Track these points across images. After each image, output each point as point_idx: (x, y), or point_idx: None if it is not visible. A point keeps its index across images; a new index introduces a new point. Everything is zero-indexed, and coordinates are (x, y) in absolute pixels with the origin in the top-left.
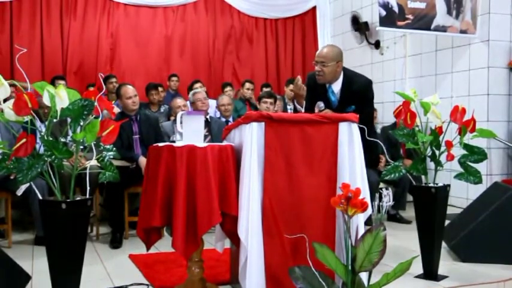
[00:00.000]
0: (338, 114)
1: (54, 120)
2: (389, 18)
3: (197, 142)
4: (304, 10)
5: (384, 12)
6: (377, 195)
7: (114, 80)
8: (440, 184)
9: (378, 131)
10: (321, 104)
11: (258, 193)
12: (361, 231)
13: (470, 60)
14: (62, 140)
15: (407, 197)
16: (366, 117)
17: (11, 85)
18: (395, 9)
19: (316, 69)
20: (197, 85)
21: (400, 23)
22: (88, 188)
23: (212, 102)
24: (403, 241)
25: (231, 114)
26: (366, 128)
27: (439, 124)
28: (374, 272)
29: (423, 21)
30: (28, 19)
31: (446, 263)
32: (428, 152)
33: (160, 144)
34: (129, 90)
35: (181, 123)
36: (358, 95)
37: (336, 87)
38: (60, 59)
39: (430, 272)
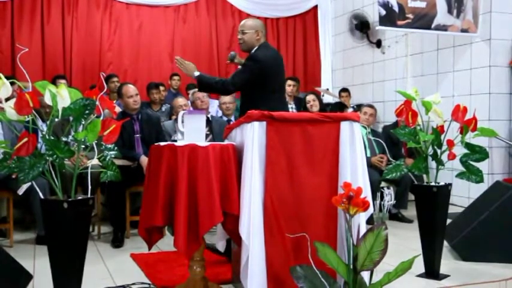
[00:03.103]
0: (340, 113)
1: (56, 119)
2: (390, 18)
3: (199, 141)
4: (306, 9)
5: (383, 12)
6: (378, 194)
7: (115, 79)
8: (442, 183)
9: (380, 130)
10: (232, 53)
11: (259, 192)
12: (363, 230)
13: (471, 59)
14: (64, 139)
15: (408, 196)
16: (228, 84)
17: (12, 84)
18: (396, 8)
19: (238, 37)
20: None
21: (400, 23)
22: (89, 187)
23: (213, 102)
24: (405, 240)
25: (232, 113)
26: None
27: (441, 123)
28: (375, 271)
29: (423, 20)
30: (29, 18)
31: (447, 262)
32: (430, 151)
33: (162, 144)
34: (130, 89)
35: (182, 122)
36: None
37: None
38: (61, 58)
39: (432, 271)
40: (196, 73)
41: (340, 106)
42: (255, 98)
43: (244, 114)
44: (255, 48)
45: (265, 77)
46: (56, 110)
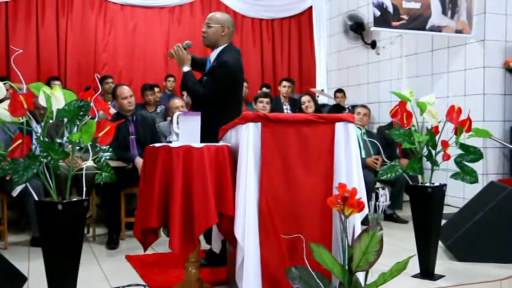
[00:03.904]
0: (334, 114)
1: (50, 121)
2: (384, 19)
3: (194, 142)
4: (301, 10)
5: (378, 13)
6: (373, 195)
7: (110, 80)
8: (437, 184)
9: (374, 130)
10: (187, 41)
11: (254, 193)
12: (358, 231)
13: (466, 60)
14: (58, 140)
15: (403, 196)
16: (204, 93)
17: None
18: (390, 9)
19: (202, 30)
20: None
21: (394, 23)
22: (84, 188)
23: None
24: (400, 241)
25: None
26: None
27: (435, 124)
28: (371, 272)
29: (418, 21)
30: (24, 19)
31: (442, 263)
32: (425, 151)
33: (157, 145)
34: (125, 90)
35: (177, 123)
36: (213, 70)
37: (214, 55)
38: (56, 60)
39: (427, 272)
40: (186, 68)
41: (337, 108)
42: (224, 106)
43: (211, 124)
44: (220, 49)
45: (236, 84)
46: (51, 111)
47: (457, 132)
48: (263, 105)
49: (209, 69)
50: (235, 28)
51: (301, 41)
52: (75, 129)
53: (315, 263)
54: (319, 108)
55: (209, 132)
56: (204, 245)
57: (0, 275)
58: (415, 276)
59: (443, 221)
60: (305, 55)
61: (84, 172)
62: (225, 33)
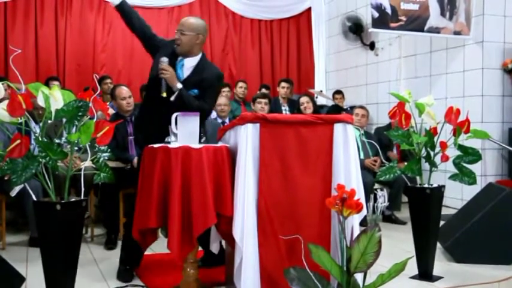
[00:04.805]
0: (333, 115)
1: (49, 121)
2: (382, 20)
3: (192, 143)
4: (299, 11)
5: (376, 14)
6: (372, 196)
7: (109, 80)
8: (435, 185)
9: (372, 131)
10: (164, 59)
11: (253, 194)
12: (356, 232)
13: (464, 61)
14: (57, 141)
15: (402, 197)
16: (208, 107)
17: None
18: (388, 10)
19: (176, 37)
20: None
21: (393, 25)
22: (83, 189)
23: None
24: (398, 242)
25: (227, 115)
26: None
27: (434, 125)
28: (369, 273)
29: (416, 22)
30: (22, 20)
31: (441, 264)
32: (423, 152)
33: (156, 145)
34: (124, 91)
35: (176, 124)
36: (207, 83)
37: (189, 63)
38: (54, 60)
39: (425, 273)
40: (180, 85)
41: (336, 109)
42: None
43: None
44: (198, 59)
45: None
46: (49, 111)
47: (456, 133)
48: (261, 106)
49: (197, 81)
50: (235, 29)
51: (300, 42)
52: (73, 130)
53: (314, 264)
54: (317, 109)
55: None
56: None
57: None
58: (413, 277)
59: (442, 222)
60: (304, 56)
61: (82, 172)
62: (200, 41)
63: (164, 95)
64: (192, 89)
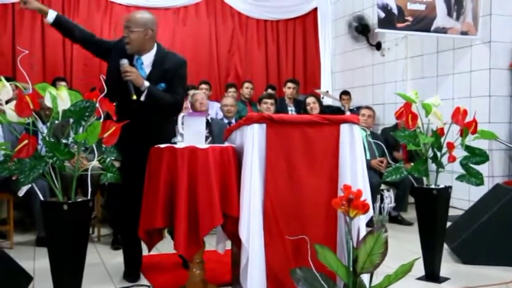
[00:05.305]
0: (339, 115)
1: (56, 121)
2: (389, 20)
3: (198, 143)
4: (305, 11)
5: (382, 14)
6: (378, 196)
7: None
8: (442, 186)
9: (379, 132)
10: (124, 61)
11: (259, 194)
12: (363, 232)
13: (471, 61)
14: (64, 141)
15: (408, 198)
16: (181, 98)
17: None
18: (395, 11)
19: (124, 34)
20: (202, 86)
21: (399, 25)
22: (89, 189)
23: (213, 104)
24: (405, 243)
25: (233, 116)
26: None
27: (441, 126)
28: (375, 274)
29: (423, 23)
30: (30, 20)
31: (448, 265)
32: (430, 153)
33: (162, 146)
34: None
35: (182, 124)
36: (171, 73)
37: (147, 60)
38: (61, 61)
39: (432, 274)
40: (147, 83)
41: (337, 111)
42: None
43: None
44: (153, 53)
45: None
46: (56, 112)
47: (463, 134)
48: (267, 106)
49: (160, 74)
50: (241, 29)
51: (306, 43)
52: (80, 130)
53: (320, 265)
54: (324, 109)
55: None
56: (208, 247)
57: (6, 274)
58: (420, 278)
59: (449, 223)
60: (310, 56)
61: (89, 172)
62: (149, 36)
63: (134, 97)
64: (158, 83)
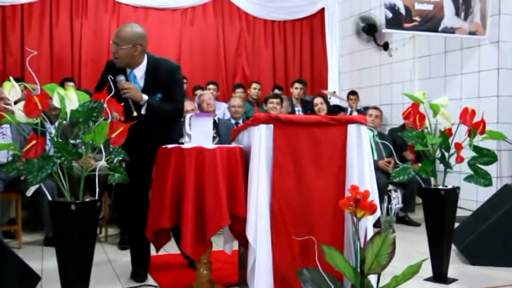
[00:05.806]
0: (347, 116)
1: (64, 122)
2: (396, 20)
3: (206, 144)
4: (313, 12)
5: (390, 14)
6: (386, 197)
7: None
8: (450, 186)
9: (386, 132)
10: (121, 77)
11: (266, 195)
12: (370, 233)
13: (479, 61)
14: (72, 141)
15: (416, 199)
16: (181, 104)
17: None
18: (402, 11)
19: (112, 50)
20: (210, 86)
21: (406, 25)
22: (97, 189)
23: (220, 105)
24: (412, 243)
25: (241, 116)
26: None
27: (449, 126)
28: (383, 275)
29: (431, 23)
30: (38, 22)
31: (455, 266)
32: (438, 154)
33: (169, 146)
34: None
35: (189, 125)
36: (165, 82)
37: (139, 72)
38: (69, 61)
39: (440, 275)
40: (146, 96)
41: (338, 110)
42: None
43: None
44: (144, 65)
45: None
46: (65, 112)
47: (471, 134)
48: (273, 106)
49: (155, 85)
50: (248, 30)
51: (313, 43)
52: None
53: (327, 265)
54: (331, 110)
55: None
56: (216, 247)
57: (14, 274)
58: (427, 279)
59: (457, 224)
60: (317, 57)
61: (97, 173)
62: (139, 51)
63: (135, 114)
64: (154, 94)
